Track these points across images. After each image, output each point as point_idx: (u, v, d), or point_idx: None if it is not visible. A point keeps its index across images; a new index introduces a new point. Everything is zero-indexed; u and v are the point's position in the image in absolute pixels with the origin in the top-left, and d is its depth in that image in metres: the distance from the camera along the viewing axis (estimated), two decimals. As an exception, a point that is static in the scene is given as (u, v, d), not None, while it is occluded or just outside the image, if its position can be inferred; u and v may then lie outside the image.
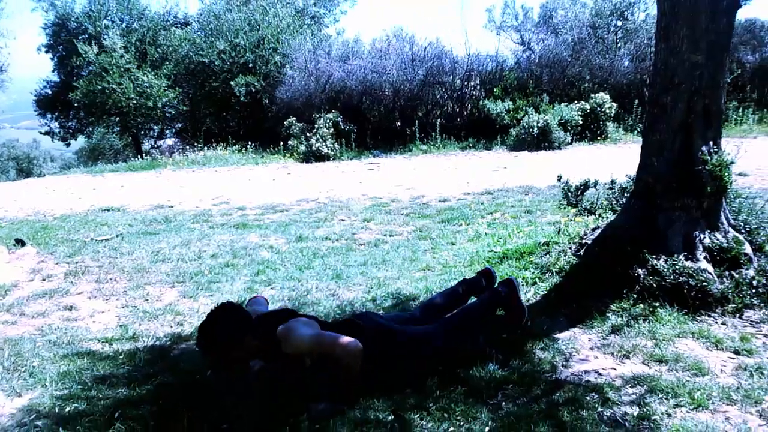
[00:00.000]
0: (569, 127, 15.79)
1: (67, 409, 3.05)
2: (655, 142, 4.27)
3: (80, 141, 30.49)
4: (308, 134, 16.76)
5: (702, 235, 4.16)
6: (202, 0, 27.04)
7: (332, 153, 16.32)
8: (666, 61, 4.16)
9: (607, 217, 5.29)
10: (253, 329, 3.14)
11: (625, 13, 18.64)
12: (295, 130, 17.27)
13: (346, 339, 3.07)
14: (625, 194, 5.29)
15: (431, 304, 3.89)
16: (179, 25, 24.87)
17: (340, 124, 16.98)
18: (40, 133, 27.98)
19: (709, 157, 4.07)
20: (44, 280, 5.47)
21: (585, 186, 5.82)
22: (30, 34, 25.83)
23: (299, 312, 3.46)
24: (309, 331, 3.12)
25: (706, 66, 4.02)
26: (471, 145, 16.66)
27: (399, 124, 18.30)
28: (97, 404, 3.08)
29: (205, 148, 18.78)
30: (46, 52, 25.27)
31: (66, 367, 3.55)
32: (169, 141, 26.66)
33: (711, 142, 4.13)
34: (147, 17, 24.27)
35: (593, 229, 4.86)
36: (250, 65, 20.30)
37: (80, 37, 22.68)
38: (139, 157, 20.76)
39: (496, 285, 4.05)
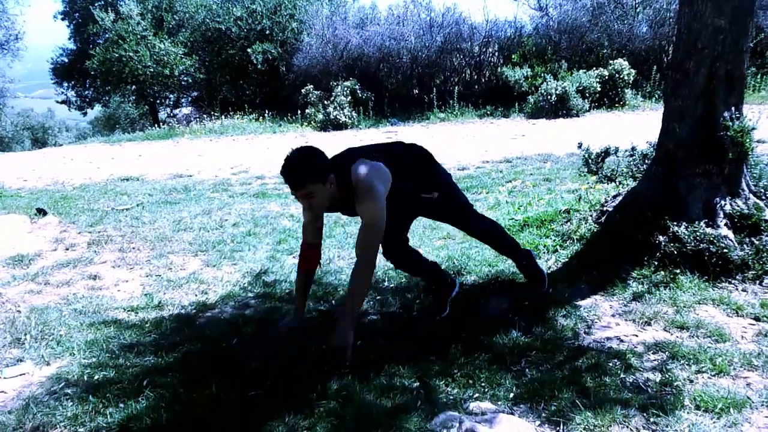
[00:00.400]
0: (587, 95, 15.63)
1: (96, 377, 3.11)
2: (677, 108, 4.21)
3: (95, 110, 30.61)
4: (326, 102, 16.73)
5: (723, 202, 4.13)
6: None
7: (350, 121, 16.29)
8: (689, 26, 4.09)
9: (628, 185, 5.26)
10: (336, 169, 3.12)
11: (645, -23, 18.28)
12: (312, 98, 17.24)
13: (376, 253, 3.13)
14: (646, 161, 5.25)
15: None
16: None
17: (358, 92, 16.91)
18: (57, 102, 28.15)
19: (731, 123, 4.02)
20: (67, 249, 5.54)
21: (605, 153, 5.77)
22: (45, 1, 25.78)
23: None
24: (381, 207, 3.07)
25: (729, 30, 3.95)
26: (489, 112, 16.55)
27: (417, 91, 18.21)
28: (126, 372, 3.13)
29: (222, 116, 18.79)
30: (63, 19, 25.30)
31: (93, 335, 3.61)
32: (185, 110, 26.70)
33: (733, 108, 4.07)
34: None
35: (614, 197, 4.83)
36: (267, 32, 20.19)
37: (96, 4, 22.63)
38: (156, 126, 20.81)
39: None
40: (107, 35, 21.24)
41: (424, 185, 3.52)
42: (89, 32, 22.85)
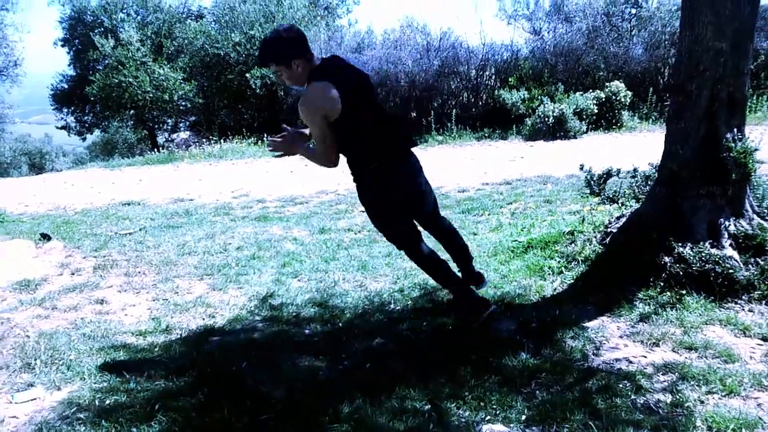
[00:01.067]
0: (584, 116, 15.72)
1: (108, 402, 3.11)
2: (680, 130, 4.27)
3: (93, 135, 30.68)
4: (324, 126, 16.79)
5: (727, 223, 4.17)
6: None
7: (348, 145, 16.33)
8: (690, 49, 4.15)
9: (631, 206, 5.30)
10: (310, 54, 3.43)
11: (639, 0, 18.49)
12: (310, 122, 17.30)
13: (329, 155, 3.58)
14: (649, 182, 5.30)
15: None
16: (194, 18, 24.97)
17: (356, 115, 16.98)
18: (57, 127, 28.23)
19: (733, 145, 4.07)
20: (73, 274, 5.55)
21: (607, 175, 5.83)
22: (42, 28, 26.04)
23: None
24: (310, 118, 3.42)
25: (730, 53, 4.01)
26: (486, 135, 16.62)
27: (414, 114, 18.30)
28: (137, 396, 3.14)
29: (221, 141, 18.86)
30: (63, 46, 25.49)
31: (102, 360, 3.62)
32: (183, 134, 26.81)
33: (735, 129, 4.13)
34: (163, 10, 24.37)
35: (618, 218, 4.86)
36: (266, 57, 20.34)
37: (96, 31, 22.81)
38: (155, 150, 20.87)
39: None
40: (107, 61, 21.37)
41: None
42: (89, 58, 23.00)
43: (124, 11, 24.28)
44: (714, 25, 3.99)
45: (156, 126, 25.09)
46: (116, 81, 20.38)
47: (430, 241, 4.03)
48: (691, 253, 4.03)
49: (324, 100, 3.34)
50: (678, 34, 4.41)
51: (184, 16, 25.21)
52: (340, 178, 11.15)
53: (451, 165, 12.29)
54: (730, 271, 3.91)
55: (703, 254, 4.00)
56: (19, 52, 25.43)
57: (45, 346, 3.81)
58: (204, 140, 20.39)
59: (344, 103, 3.37)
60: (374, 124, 3.56)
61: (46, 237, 6.81)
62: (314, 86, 3.39)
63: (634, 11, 18.62)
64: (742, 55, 4.05)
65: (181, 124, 26.83)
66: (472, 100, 18.43)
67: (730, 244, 4.09)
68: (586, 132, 15.62)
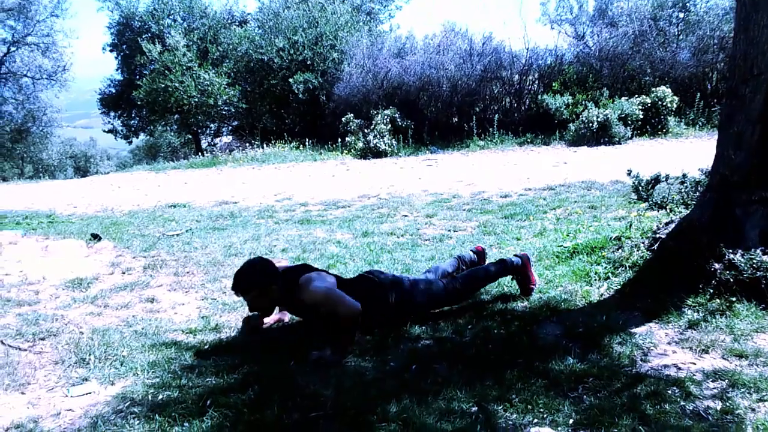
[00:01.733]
0: (629, 122, 15.55)
1: (160, 397, 3.18)
2: (733, 135, 4.19)
3: (138, 139, 31.33)
4: (366, 130, 16.92)
5: (780, 230, 4.09)
6: (260, -1, 27.53)
7: (389, 149, 16.42)
8: (745, 52, 4.08)
9: (680, 212, 5.23)
10: (279, 279, 3.84)
11: (687, 4, 18.20)
12: (352, 127, 17.44)
13: (349, 301, 3.66)
14: (699, 188, 5.22)
15: (435, 270, 4.51)
16: (238, 24, 25.35)
17: (398, 120, 17.08)
18: (104, 131, 28.94)
19: (788, 150, 4.00)
20: (124, 273, 5.68)
21: (656, 180, 5.76)
22: (89, 34, 26.71)
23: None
24: (324, 285, 3.77)
25: (787, 57, 3.94)
26: (529, 140, 16.55)
27: (456, 119, 18.32)
28: (189, 392, 3.20)
29: (263, 145, 19.11)
30: (111, 51, 26.11)
31: (154, 356, 3.70)
32: (226, 139, 27.23)
33: (791, 134, 4.05)
34: (209, 15, 24.80)
35: (666, 224, 4.80)
36: (308, 62, 20.56)
37: (143, 36, 23.32)
38: (199, 154, 21.24)
39: (512, 256, 4.52)
40: (154, 66, 21.83)
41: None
42: (136, 63, 23.51)
43: (171, 17, 24.78)
44: (769, 28, 3.92)
45: (200, 130, 25.51)
46: (162, 85, 20.80)
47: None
48: (742, 260, 3.95)
49: (325, 279, 3.86)
50: (732, 38, 4.34)
51: (229, 21, 25.60)
52: (382, 182, 11.23)
53: (493, 170, 12.26)
54: (783, 278, 3.83)
55: (755, 261, 3.92)
56: (67, 58, 26.24)
57: (98, 343, 3.91)
58: (246, 144, 20.68)
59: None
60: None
61: (96, 237, 6.99)
62: (309, 277, 3.82)
63: (681, 15, 18.36)
64: (799, 58, 3.97)
65: (223, 129, 27.26)
66: (515, 105, 18.38)
67: (783, 252, 4.01)
68: (631, 138, 15.44)
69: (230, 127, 26.54)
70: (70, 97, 28.39)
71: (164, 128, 27.90)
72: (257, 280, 3.77)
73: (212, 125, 26.22)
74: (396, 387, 3.14)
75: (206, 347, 3.83)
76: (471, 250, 4.81)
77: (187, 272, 5.60)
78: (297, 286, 3.79)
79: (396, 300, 4.00)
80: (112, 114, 27.67)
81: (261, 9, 25.01)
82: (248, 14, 27.10)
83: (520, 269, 4.40)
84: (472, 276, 4.32)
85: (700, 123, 16.22)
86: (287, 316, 4.32)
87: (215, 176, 14.89)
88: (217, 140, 27.70)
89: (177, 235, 7.38)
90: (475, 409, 2.91)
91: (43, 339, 4.05)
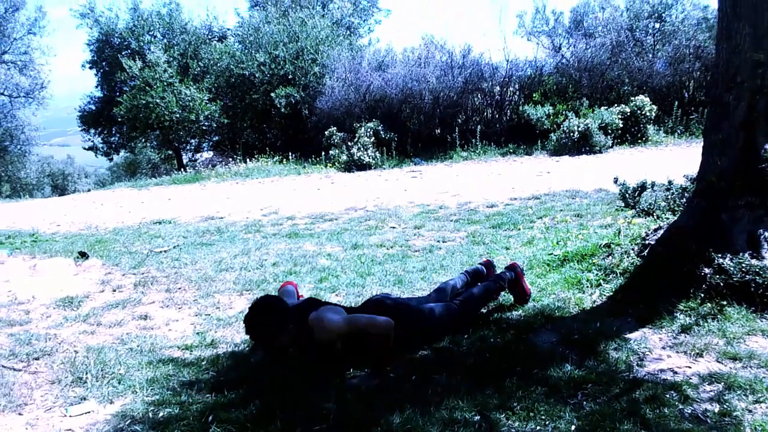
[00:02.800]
0: (610, 131, 15.73)
1: (161, 414, 3.17)
2: (718, 141, 4.28)
3: (119, 156, 31.11)
4: (349, 143, 16.95)
5: (766, 233, 4.17)
6: (239, 14, 27.56)
7: (374, 162, 16.46)
8: (728, 60, 4.18)
9: (667, 218, 5.30)
10: (292, 318, 3.73)
11: (663, 15, 18.49)
12: (336, 140, 17.47)
13: (380, 318, 3.66)
14: (686, 194, 5.30)
15: (445, 287, 4.41)
16: (218, 39, 25.33)
17: (381, 132, 17.13)
18: (84, 148, 28.66)
19: (772, 156, 4.08)
20: (114, 290, 5.65)
21: (642, 187, 5.84)
22: (66, 51, 26.56)
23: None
24: (338, 317, 3.69)
25: (768, 64, 4.03)
26: (511, 150, 16.68)
27: (439, 131, 18.40)
28: (190, 409, 3.19)
29: (246, 160, 19.07)
30: (91, 68, 25.94)
31: (152, 373, 3.69)
32: (207, 154, 27.12)
33: (774, 140, 4.13)
34: (189, 31, 24.75)
35: (655, 230, 4.87)
36: (290, 76, 20.56)
37: (123, 53, 23.22)
38: (181, 170, 21.13)
39: (502, 270, 4.58)
40: (134, 82, 21.70)
41: None
42: (116, 80, 23.37)
43: (151, 33, 24.69)
44: (751, 36, 4.02)
45: (181, 146, 25.39)
46: (143, 102, 20.69)
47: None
48: (731, 264, 4.03)
49: (335, 310, 3.80)
50: (715, 46, 4.44)
51: (209, 37, 25.57)
52: (368, 195, 11.26)
53: (477, 180, 12.33)
54: (772, 281, 3.90)
55: (744, 265, 4.00)
56: (45, 75, 26.04)
57: (94, 361, 3.88)
58: (229, 159, 20.62)
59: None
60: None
61: (84, 255, 6.94)
62: (318, 315, 3.72)
63: (657, 26, 18.63)
64: (781, 66, 4.06)
65: (204, 144, 27.14)
66: (497, 116, 18.52)
67: (770, 255, 4.08)
68: (612, 146, 15.62)
69: (211, 143, 26.43)
70: (47, 114, 28.12)
71: (144, 144, 27.72)
72: (271, 324, 3.70)
73: (193, 141, 26.08)
74: (398, 398, 3.15)
75: (204, 363, 3.82)
76: (479, 263, 4.76)
77: (179, 288, 5.58)
78: (308, 326, 3.69)
79: (404, 326, 3.85)
80: (92, 131, 27.43)
81: (241, 24, 25.01)
82: (227, 29, 27.11)
83: (514, 282, 4.47)
84: (469, 299, 4.29)
85: (678, 131, 16.44)
86: None
87: (199, 192, 14.82)
88: (198, 155, 27.57)
89: (165, 251, 7.35)
90: (477, 418, 2.93)
91: (37, 359, 4.02)
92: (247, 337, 4.25)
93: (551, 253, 5.50)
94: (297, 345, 3.78)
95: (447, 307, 4.12)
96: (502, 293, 4.56)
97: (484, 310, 4.42)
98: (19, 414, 3.30)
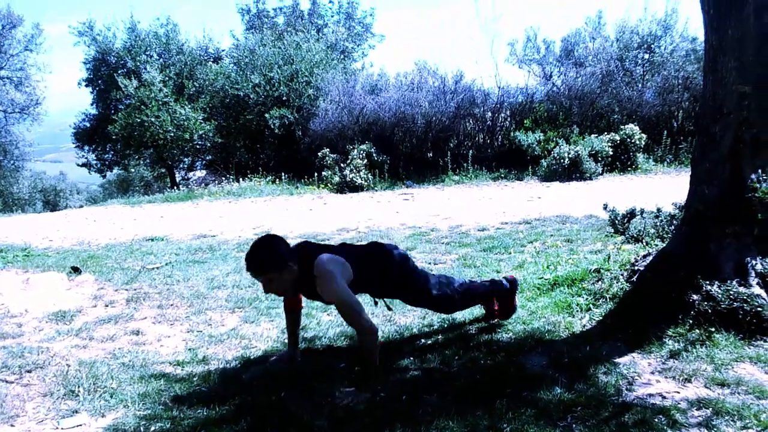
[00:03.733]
0: (600, 158, 15.91)
1: (152, 429, 3.19)
2: (705, 171, 4.37)
3: (110, 173, 31.11)
4: (342, 165, 17.05)
5: (754, 261, 4.23)
6: (234, 36, 27.76)
7: (366, 184, 16.56)
8: (714, 92, 4.28)
9: (656, 245, 5.38)
10: (296, 257, 3.66)
11: (652, 46, 18.79)
12: (328, 161, 17.57)
13: (366, 320, 3.67)
14: (674, 222, 5.38)
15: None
16: (213, 60, 25.50)
17: (374, 155, 17.25)
18: (78, 165, 28.68)
19: (758, 185, 4.16)
20: (107, 306, 5.66)
21: (631, 214, 5.92)
22: (57, 68, 26.66)
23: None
24: (341, 287, 3.61)
25: (754, 96, 4.13)
26: (503, 175, 16.82)
27: (431, 154, 18.54)
28: (181, 423, 3.21)
29: (239, 179, 19.13)
30: (87, 86, 26.05)
31: (144, 388, 3.70)
32: (200, 173, 27.17)
33: (760, 170, 4.21)
34: (185, 52, 24.92)
35: (644, 256, 4.94)
36: (284, 98, 20.70)
37: (119, 72, 23.34)
38: (175, 188, 21.15)
39: (502, 278, 4.64)
40: (129, 101, 21.78)
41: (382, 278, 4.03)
42: (112, 98, 23.47)
43: (147, 53, 24.85)
44: (737, 70, 4.12)
45: (174, 164, 25.43)
46: (138, 120, 20.76)
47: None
48: (719, 291, 4.09)
49: (341, 266, 3.70)
50: (702, 78, 4.54)
51: (204, 58, 25.75)
52: (360, 216, 11.31)
53: (468, 204, 12.42)
54: (759, 309, 3.96)
55: (731, 292, 4.07)
56: (40, 92, 26.14)
57: (86, 375, 3.89)
58: (222, 178, 20.66)
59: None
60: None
61: (77, 270, 6.95)
62: (324, 261, 3.65)
63: (647, 56, 18.91)
64: (765, 98, 4.16)
65: (197, 163, 27.19)
66: (488, 141, 18.69)
67: (758, 283, 4.15)
68: (602, 173, 15.78)
69: (204, 161, 26.49)
70: (39, 130, 28.20)
71: (138, 162, 27.75)
72: (274, 259, 3.57)
73: (186, 159, 26.14)
74: (388, 417, 3.18)
75: (195, 379, 3.84)
76: (504, 278, 4.71)
77: (171, 305, 5.60)
78: (312, 267, 3.63)
79: (399, 275, 4.02)
80: (87, 148, 27.47)
81: (237, 46, 25.20)
82: (223, 51, 27.31)
83: (507, 291, 4.52)
84: (471, 289, 4.39)
85: (668, 160, 16.65)
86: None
87: (192, 210, 14.83)
88: (191, 174, 27.62)
89: (157, 268, 7.36)
90: (467, 437, 2.96)
91: (29, 371, 4.03)
92: (238, 353, 4.31)
93: (542, 277, 5.56)
94: (295, 288, 3.79)
95: (448, 288, 4.25)
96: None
97: (471, 329, 4.47)
98: (11, 426, 3.30)
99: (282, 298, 4.14)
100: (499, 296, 4.55)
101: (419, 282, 4.16)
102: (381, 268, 3.98)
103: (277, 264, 3.57)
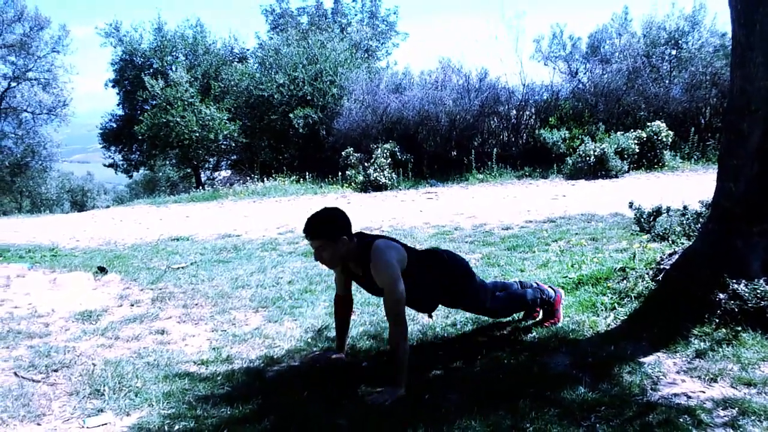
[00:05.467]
0: (626, 156, 15.72)
1: (177, 428, 3.22)
2: (732, 167, 4.30)
3: (138, 173, 31.49)
4: (366, 164, 17.08)
5: (782, 260, 4.17)
6: (259, 36, 27.94)
7: (390, 183, 16.56)
8: (742, 88, 4.21)
9: (682, 243, 5.31)
10: (352, 233, 3.68)
11: (680, 41, 18.52)
12: (352, 161, 17.61)
13: (403, 313, 3.60)
14: (701, 220, 5.31)
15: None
16: (238, 60, 25.68)
17: (397, 154, 17.25)
18: (104, 165, 29.09)
19: (787, 182, 4.09)
20: (132, 305, 5.73)
21: (657, 212, 5.85)
22: (83, 69, 27.02)
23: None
24: (395, 272, 3.59)
25: (782, 92, 4.06)
26: (527, 174, 16.71)
27: (455, 153, 18.48)
28: (205, 422, 3.24)
29: (263, 179, 19.24)
30: (113, 87, 26.38)
31: (168, 387, 3.74)
32: (225, 173, 27.38)
33: (789, 168, 4.15)
34: (211, 52, 25.12)
35: (670, 255, 4.88)
36: (308, 98, 20.77)
37: (146, 72, 23.59)
38: (200, 188, 21.34)
39: (548, 288, 4.55)
40: (156, 101, 22.02)
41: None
42: (138, 99, 23.74)
43: (173, 54, 25.10)
44: (764, 65, 4.05)
45: (199, 165, 25.67)
46: (164, 120, 20.98)
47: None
48: (746, 290, 4.03)
49: (397, 252, 3.69)
50: (729, 74, 4.47)
51: (230, 58, 25.94)
52: (384, 215, 11.32)
53: (493, 203, 12.36)
54: (787, 308, 3.90)
55: (759, 291, 4.00)
56: (67, 93, 26.51)
57: (112, 374, 3.94)
58: (246, 178, 20.81)
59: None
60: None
61: (103, 270, 7.04)
62: (381, 245, 3.65)
63: (674, 52, 18.64)
64: (794, 94, 4.08)
65: (222, 163, 27.42)
66: (513, 139, 18.58)
67: (785, 282, 4.08)
68: (628, 171, 15.60)
69: (229, 161, 26.70)
70: (67, 131, 28.59)
71: (164, 162, 28.06)
72: (329, 227, 3.61)
73: (211, 159, 26.38)
74: (410, 416, 3.18)
75: (219, 378, 3.87)
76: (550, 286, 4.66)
77: (196, 304, 5.65)
78: (371, 249, 3.63)
79: (450, 281, 3.99)
80: (113, 148, 27.84)
81: (261, 46, 25.36)
82: (248, 51, 27.50)
83: (551, 303, 4.50)
84: (511, 299, 4.37)
85: (695, 157, 16.40)
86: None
87: (217, 209, 14.96)
88: (216, 174, 27.85)
89: (182, 267, 7.43)
90: (490, 437, 2.95)
91: (56, 371, 4.09)
92: (261, 353, 4.34)
93: (566, 276, 5.52)
94: (346, 263, 3.81)
95: (492, 298, 4.22)
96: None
97: (496, 330, 4.45)
98: (38, 424, 3.36)
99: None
100: (547, 306, 4.51)
101: (470, 292, 4.11)
102: (434, 268, 3.96)
103: (331, 232, 3.60)
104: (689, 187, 11.97)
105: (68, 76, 26.57)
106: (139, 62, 25.34)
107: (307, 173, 18.97)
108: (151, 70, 24.15)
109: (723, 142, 4.46)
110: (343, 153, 18.07)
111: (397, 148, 17.34)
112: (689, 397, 3.29)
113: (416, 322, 4.83)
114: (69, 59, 27.55)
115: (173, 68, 22.52)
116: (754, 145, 4.16)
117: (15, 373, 4.03)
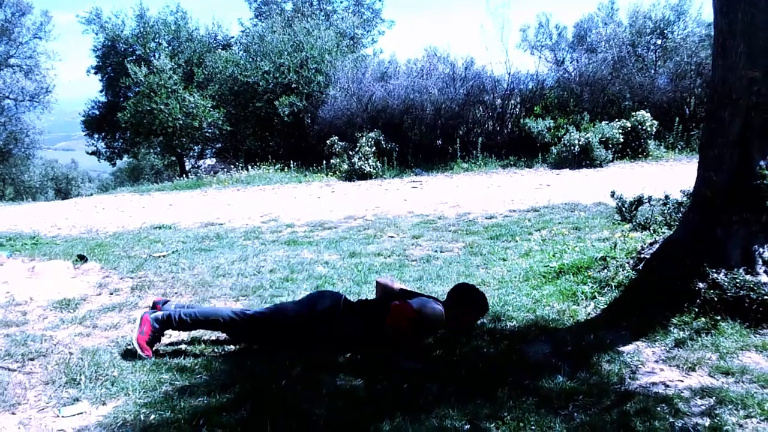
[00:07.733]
0: (610, 145, 15.78)
1: (153, 417, 3.19)
2: (713, 157, 4.31)
3: (122, 161, 31.24)
4: (350, 153, 17.01)
5: (761, 249, 4.17)
6: (242, 23, 27.69)
7: (374, 171, 16.51)
8: (724, 77, 4.21)
9: (663, 233, 5.32)
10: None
11: (665, 31, 18.55)
12: (337, 149, 17.54)
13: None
14: (681, 209, 5.32)
15: None
16: (222, 47, 25.46)
17: (382, 142, 17.19)
18: (87, 153, 28.82)
19: (767, 171, 4.10)
20: (111, 294, 5.66)
21: (639, 202, 5.86)
22: (67, 56, 26.67)
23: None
24: (440, 307, 4.13)
25: (763, 82, 4.05)
26: (512, 163, 16.73)
27: (440, 142, 18.45)
28: (181, 412, 3.21)
29: (248, 167, 19.12)
30: (95, 73, 26.08)
31: (145, 377, 3.70)
32: (209, 161, 27.20)
33: (768, 157, 4.15)
34: (195, 39, 24.87)
35: (650, 244, 4.89)
36: (294, 85, 20.60)
37: (129, 59, 23.33)
38: (183, 176, 21.18)
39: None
40: (139, 88, 21.78)
41: None
42: (121, 86, 23.49)
43: (156, 40, 24.84)
44: (747, 55, 4.05)
45: (184, 152, 25.47)
46: (147, 108, 20.76)
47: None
48: (725, 279, 4.05)
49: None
50: (711, 64, 4.47)
51: (214, 45, 25.71)
52: (368, 204, 11.28)
53: (477, 192, 12.37)
54: (765, 297, 3.92)
55: (738, 280, 4.02)
56: (50, 79, 26.18)
57: (88, 363, 3.89)
58: (231, 166, 20.67)
59: None
60: None
61: (82, 258, 6.95)
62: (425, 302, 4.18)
63: (659, 42, 18.67)
64: (776, 83, 4.08)
65: (207, 151, 27.23)
66: (498, 128, 18.57)
67: (765, 271, 4.10)
68: (612, 161, 15.66)
69: (214, 150, 26.51)
70: (51, 119, 28.25)
71: (148, 150, 27.83)
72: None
73: (196, 147, 26.17)
74: (388, 406, 3.16)
75: (197, 367, 3.83)
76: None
77: (176, 293, 5.60)
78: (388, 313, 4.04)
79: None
80: (96, 136, 27.57)
81: (246, 33, 25.12)
82: (232, 38, 27.25)
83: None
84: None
85: (679, 146, 16.48)
86: None
87: (200, 198, 14.86)
88: (200, 162, 27.65)
89: (163, 256, 7.36)
90: (467, 427, 2.95)
91: (32, 359, 4.03)
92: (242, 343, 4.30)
93: (547, 265, 5.52)
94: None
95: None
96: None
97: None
98: (12, 413, 3.31)
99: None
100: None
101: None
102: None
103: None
104: (673, 176, 12.03)
105: (51, 63, 26.26)
106: (122, 49, 25.08)
107: (291, 162, 18.86)
108: (134, 57, 23.90)
109: (705, 131, 4.47)
110: (327, 141, 17.99)
111: (382, 137, 17.28)
112: (667, 386, 3.30)
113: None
114: (51, 45, 27.35)
115: (156, 55, 22.28)
116: (734, 135, 4.16)
117: (-10, 363, 3.97)
